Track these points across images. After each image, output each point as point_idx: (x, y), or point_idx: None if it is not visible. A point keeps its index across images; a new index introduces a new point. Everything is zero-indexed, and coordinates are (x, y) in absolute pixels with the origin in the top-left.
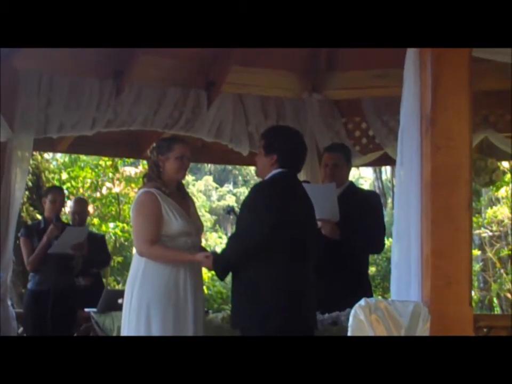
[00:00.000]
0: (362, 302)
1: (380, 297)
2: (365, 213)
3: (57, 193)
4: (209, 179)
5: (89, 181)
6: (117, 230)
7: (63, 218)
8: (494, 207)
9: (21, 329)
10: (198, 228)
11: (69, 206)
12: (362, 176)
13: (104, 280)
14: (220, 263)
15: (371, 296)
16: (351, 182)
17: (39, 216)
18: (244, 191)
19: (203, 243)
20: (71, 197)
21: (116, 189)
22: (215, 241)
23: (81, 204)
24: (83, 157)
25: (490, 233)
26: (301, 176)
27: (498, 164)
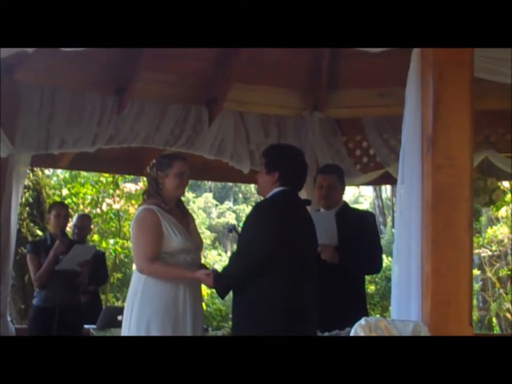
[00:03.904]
0: (362, 321)
1: (379, 316)
2: (360, 234)
3: (61, 208)
4: (209, 196)
5: (89, 197)
6: (117, 247)
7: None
8: (494, 226)
9: None
10: (197, 245)
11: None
12: (363, 195)
13: (103, 296)
14: (221, 281)
15: (367, 315)
16: (345, 203)
17: (39, 232)
18: (244, 208)
19: (202, 260)
20: (72, 213)
21: (116, 206)
22: (214, 258)
23: (83, 219)
24: (84, 173)
25: (490, 253)
26: (302, 194)
27: (498, 183)
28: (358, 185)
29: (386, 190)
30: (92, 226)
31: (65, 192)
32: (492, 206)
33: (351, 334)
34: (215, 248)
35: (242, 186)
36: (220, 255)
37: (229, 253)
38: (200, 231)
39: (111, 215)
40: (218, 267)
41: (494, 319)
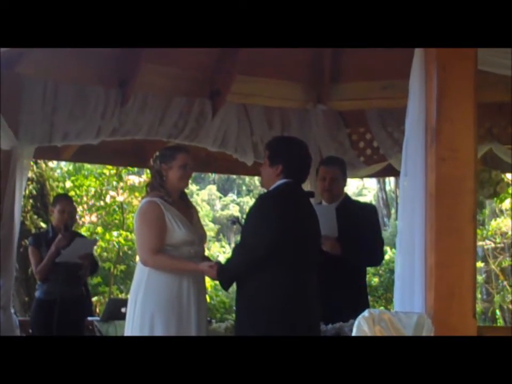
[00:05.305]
0: (366, 313)
1: (382, 308)
2: (361, 226)
3: (66, 202)
4: (213, 188)
5: (93, 189)
6: (121, 239)
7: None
8: (497, 219)
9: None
10: (201, 237)
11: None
12: (366, 187)
13: (107, 288)
14: (224, 273)
15: (368, 307)
16: (347, 195)
17: (43, 224)
18: (247, 201)
19: (206, 252)
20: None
21: (120, 198)
22: (218, 250)
23: None
24: (87, 165)
25: (494, 245)
26: (305, 186)
27: (503, 176)
28: (361, 177)
29: (390, 182)
30: (96, 218)
31: (68, 184)
32: (495, 198)
33: (355, 326)
34: (218, 240)
35: (246, 178)
36: (223, 247)
37: (232, 245)
38: (203, 223)
39: (115, 207)
40: (222, 259)
41: (498, 311)
